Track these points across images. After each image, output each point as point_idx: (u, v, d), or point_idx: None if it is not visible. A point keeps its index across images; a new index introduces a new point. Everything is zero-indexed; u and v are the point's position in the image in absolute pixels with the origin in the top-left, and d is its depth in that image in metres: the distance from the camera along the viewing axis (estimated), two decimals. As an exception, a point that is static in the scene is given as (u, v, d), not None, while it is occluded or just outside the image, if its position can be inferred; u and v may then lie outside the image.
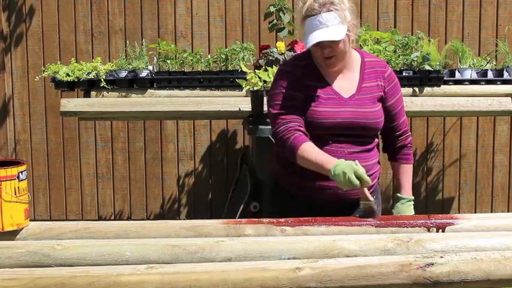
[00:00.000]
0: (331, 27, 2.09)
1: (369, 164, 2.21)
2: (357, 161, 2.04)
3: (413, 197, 2.35)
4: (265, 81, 3.33)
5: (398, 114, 2.32)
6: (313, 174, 2.16)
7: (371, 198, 2.05)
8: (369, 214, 2.02)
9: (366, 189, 2.06)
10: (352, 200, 2.17)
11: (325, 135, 2.19)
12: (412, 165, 2.39)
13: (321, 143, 2.18)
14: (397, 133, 2.34)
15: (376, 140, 2.31)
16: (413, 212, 2.33)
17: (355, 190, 2.08)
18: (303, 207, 2.19)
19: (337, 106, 2.18)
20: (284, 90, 2.21)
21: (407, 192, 2.35)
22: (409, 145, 2.38)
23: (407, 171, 2.37)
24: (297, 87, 2.20)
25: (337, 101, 2.19)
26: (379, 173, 2.35)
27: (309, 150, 2.13)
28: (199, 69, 3.69)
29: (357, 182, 2.00)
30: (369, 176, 2.11)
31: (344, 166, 2.02)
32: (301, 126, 2.18)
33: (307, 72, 2.22)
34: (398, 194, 2.36)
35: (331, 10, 2.10)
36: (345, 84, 2.23)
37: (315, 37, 2.10)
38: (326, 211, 2.09)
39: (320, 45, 2.12)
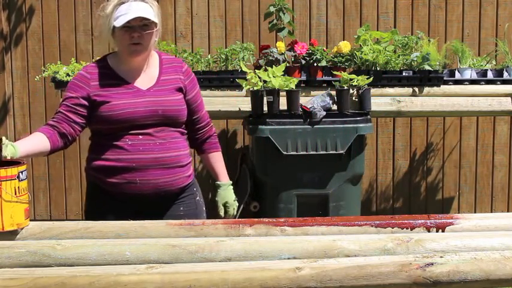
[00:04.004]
0: (145, 10, 2.20)
1: (180, 154, 2.31)
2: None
3: (231, 182, 2.47)
4: (265, 81, 3.33)
5: (199, 107, 2.43)
6: (113, 168, 2.25)
7: None
8: None
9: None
10: (164, 190, 2.28)
11: (127, 127, 2.24)
12: (220, 152, 2.49)
13: (128, 138, 2.25)
14: (200, 125, 2.44)
15: (184, 131, 2.39)
16: (234, 196, 2.45)
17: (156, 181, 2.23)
18: (124, 205, 2.25)
19: (135, 98, 2.26)
20: (69, 93, 2.30)
21: (224, 178, 2.47)
22: (214, 134, 2.50)
23: (218, 159, 2.48)
24: (81, 90, 2.27)
25: (135, 93, 2.28)
26: (192, 164, 2.44)
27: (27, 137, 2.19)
28: (199, 69, 3.70)
29: None
30: (183, 166, 2.30)
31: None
32: (56, 122, 2.25)
33: (101, 73, 2.30)
34: (218, 182, 2.46)
35: (146, 2, 2.23)
36: (144, 79, 2.32)
37: (131, 14, 2.17)
38: (147, 205, 2.24)
39: (131, 28, 2.20)
